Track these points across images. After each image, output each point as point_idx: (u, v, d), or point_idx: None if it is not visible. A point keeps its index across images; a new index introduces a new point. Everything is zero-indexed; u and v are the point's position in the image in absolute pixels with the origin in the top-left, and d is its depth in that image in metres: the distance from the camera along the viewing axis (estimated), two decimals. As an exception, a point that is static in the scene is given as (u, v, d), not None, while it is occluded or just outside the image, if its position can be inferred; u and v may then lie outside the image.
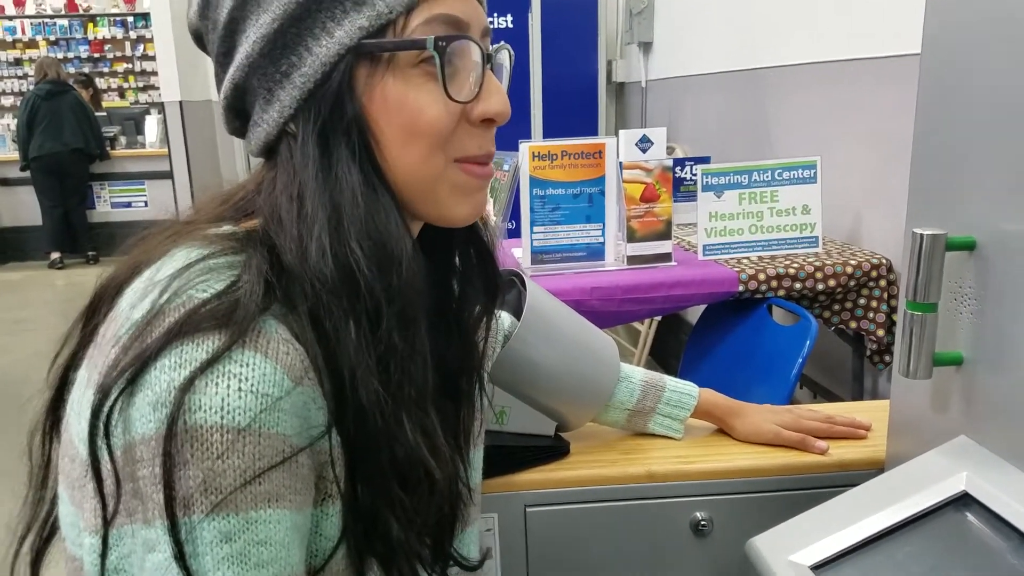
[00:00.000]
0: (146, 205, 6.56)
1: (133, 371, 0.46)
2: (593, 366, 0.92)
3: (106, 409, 0.46)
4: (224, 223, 0.56)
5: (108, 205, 6.55)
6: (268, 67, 0.54)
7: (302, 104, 0.53)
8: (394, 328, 0.52)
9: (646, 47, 3.66)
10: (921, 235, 0.70)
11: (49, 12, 7.67)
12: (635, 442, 0.97)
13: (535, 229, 1.86)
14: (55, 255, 6.23)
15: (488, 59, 0.56)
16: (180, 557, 0.44)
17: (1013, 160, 0.63)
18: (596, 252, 1.89)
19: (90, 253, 6.36)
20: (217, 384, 0.45)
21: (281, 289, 0.51)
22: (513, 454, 0.91)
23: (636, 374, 0.96)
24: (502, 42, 0.61)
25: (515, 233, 1.96)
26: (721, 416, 0.97)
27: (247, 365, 0.46)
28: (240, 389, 0.45)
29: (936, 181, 0.75)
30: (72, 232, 6.25)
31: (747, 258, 1.92)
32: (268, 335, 0.48)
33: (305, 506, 0.50)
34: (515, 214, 1.90)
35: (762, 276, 1.80)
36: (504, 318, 0.89)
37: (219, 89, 0.58)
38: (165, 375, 0.45)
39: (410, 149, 0.54)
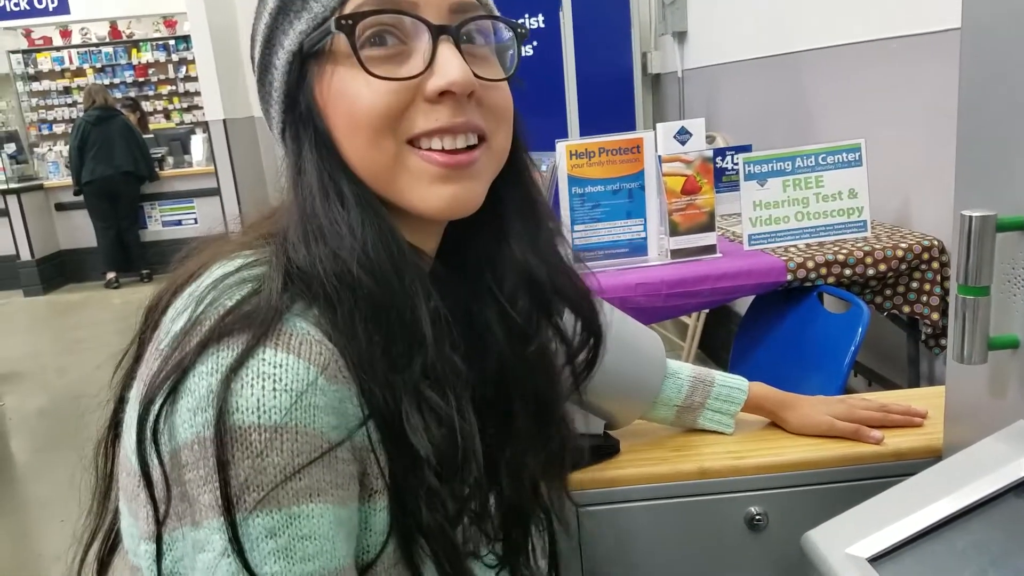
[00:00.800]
0: (196, 222, 6.75)
1: (174, 379, 0.49)
2: (638, 363, 0.92)
3: (152, 418, 0.49)
4: (265, 236, 0.58)
5: (159, 224, 6.75)
6: (261, 88, 0.61)
7: (283, 117, 0.59)
8: (396, 323, 0.53)
9: (680, 36, 3.62)
10: (970, 217, 0.68)
11: (94, 40, 7.93)
12: (686, 438, 0.97)
13: (576, 228, 1.86)
14: (111, 275, 6.45)
15: (448, 32, 0.54)
16: (237, 551, 0.46)
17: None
18: (639, 248, 1.88)
19: (144, 271, 6.56)
20: (252, 386, 0.47)
21: (298, 288, 0.53)
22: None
23: (684, 370, 0.95)
24: (497, 17, 0.58)
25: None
26: (772, 409, 0.96)
27: (280, 366, 0.48)
28: (275, 389, 0.47)
29: (983, 161, 0.73)
30: (126, 252, 6.46)
31: (794, 246, 1.89)
32: (299, 336, 0.50)
33: (349, 500, 0.51)
34: (555, 212, 1.91)
35: (810, 264, 1.77)
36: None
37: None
38: (204, 380, 0.48)
39: (357, 136, 0.55)
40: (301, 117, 0.57)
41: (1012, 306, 0.70)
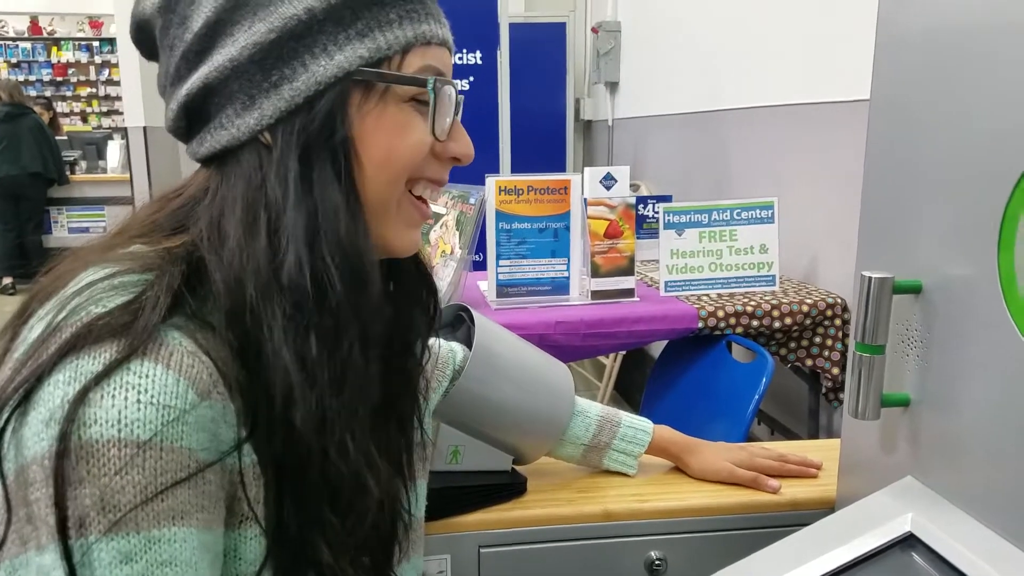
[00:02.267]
0: (105, 231, 6.43)
1: (25, 389, 0.45)
2: (547, 399, 0.92)
3: None
4: (145, 240, 0.55)
5: (65, 230, 6.41)
6: (256, 74, 0.53)
7: (284, 117, 0.53)
8: (356, 346, 0.53)
9: (613, 86, 3.73)
10: (870, 278, 0.71)
11: (11, 34, 7.57)
12: (591, 480, 0.97)
13: (501, 263, 1.87)
14: (7, 280, 6.07)
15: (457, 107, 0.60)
16: None
17: (958, 205, 0.66)
18: (561, 286, 1.90)
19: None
20: (113, 396, 0.44)
21: (196, 302, 0.50)
22: (469, 493, 0.90)
23: (593, 409, 0.96)
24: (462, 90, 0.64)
25: (480, 266, 1.96)
26: (676, 453, 0.97)
27: (146, 376, 0.45)
28: (139, 401, 0.44)
29: (884, 225, 0.77)
30: (26, 257, 6.09)
31: (707, 295, 1.94)
32: (171, 347, 0.47)
33: (214, 525, 0.48)
34: (480, 247, 1.91)
35: (721, 313, 1.82)
36: (457, 352, 0.88)
37: (171, 85, 0.57)
38: (59, 390, 0.44)
39: (382, 173, 0.56)
40: (329, 135, 0.54)
41: (905, 365, 0.73)
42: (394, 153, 0.56)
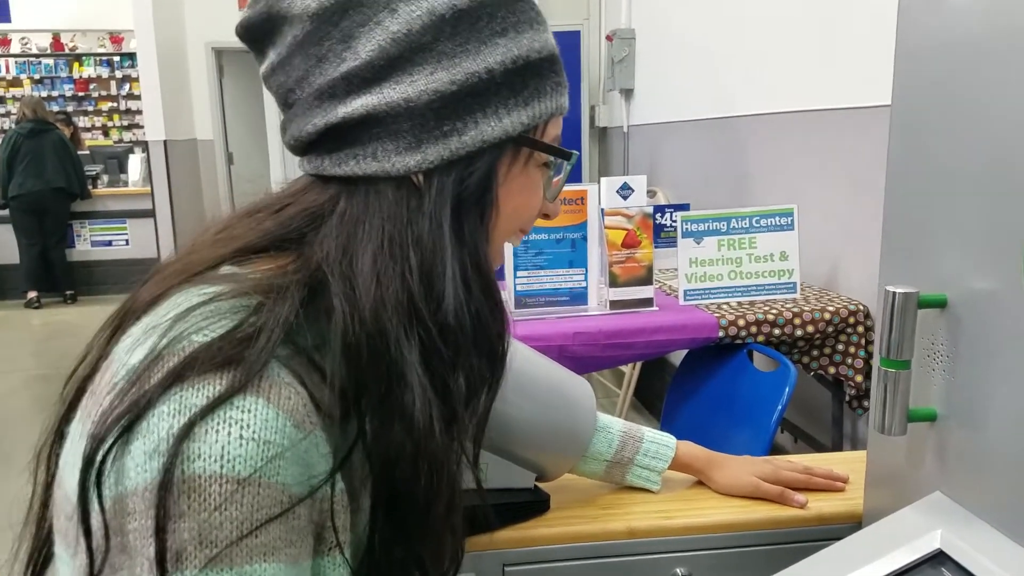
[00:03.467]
0: (127, 244, 6.52)
1: (129, 418, 0.45)
2: (569, 415, 0.92)
3: (99, 458, 0.45)
4: (245, 254, 0.55)
5: (88, 244, 6.49)
6: (429, 120, 0.54)
7: (444, 165, 0.55)
8: (494, 387, 0.59)
9: (627, 93, 3.73)
10: (894, 293, 0.71)
11: (35, 51, 7.70)
12: (615, 496, 0.97)
13: (518, 274, 1.87)
14: (32, 294, 6.12)
15: None
16: None
17: (983, 217, 0.65)
18: (579, 297, 1.90)
19: (68, 292, 6.27)
20: (218, 431, 0.44)
21: (311, 333, 0.51)
22: (493, 510, 0.90)
23: (615, 425, 0.96)
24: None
25: (498, 276, 1.96)
26: (700, 468, 0.97)
27: (249, 411, 0.45)
28: (242, 437, 0.45)
29: (907, 238, 0.76)
30: (50, 271, 6.16)
31: (727, 303, 1.94)
32: (272, 379, 0.47)
33: (301, 558, 0.48)
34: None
35: (741, 322, 1.81)
36: None
37: (316, 98, 0.55)
38: (164, 422, 0.44)
39: (508, 225, 0.61)
40: (484, 191, 0.57)
41: (931, 380, 0.73)
42: (521, 210, 0.61)
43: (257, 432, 0.45)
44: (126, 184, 6.57)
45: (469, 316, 0.55)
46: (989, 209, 0.64)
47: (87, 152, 6.70)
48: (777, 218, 1.95)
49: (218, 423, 0.44)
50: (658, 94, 3.51)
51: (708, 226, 1.95)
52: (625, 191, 1.96)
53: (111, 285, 6.42)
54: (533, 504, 0.93)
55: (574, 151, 0.63)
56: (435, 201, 0.55)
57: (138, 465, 0.44)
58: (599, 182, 1.94)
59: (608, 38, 3.65)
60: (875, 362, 0.74)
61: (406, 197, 0.55)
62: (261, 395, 0.46)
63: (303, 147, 0.58)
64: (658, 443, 0.96)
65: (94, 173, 6.54)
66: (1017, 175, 0.61)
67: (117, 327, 0.53)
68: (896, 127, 0.76)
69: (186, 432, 0.44)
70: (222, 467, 0.44)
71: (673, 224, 2.22)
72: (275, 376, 0.47)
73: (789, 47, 2.36)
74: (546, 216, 0.65)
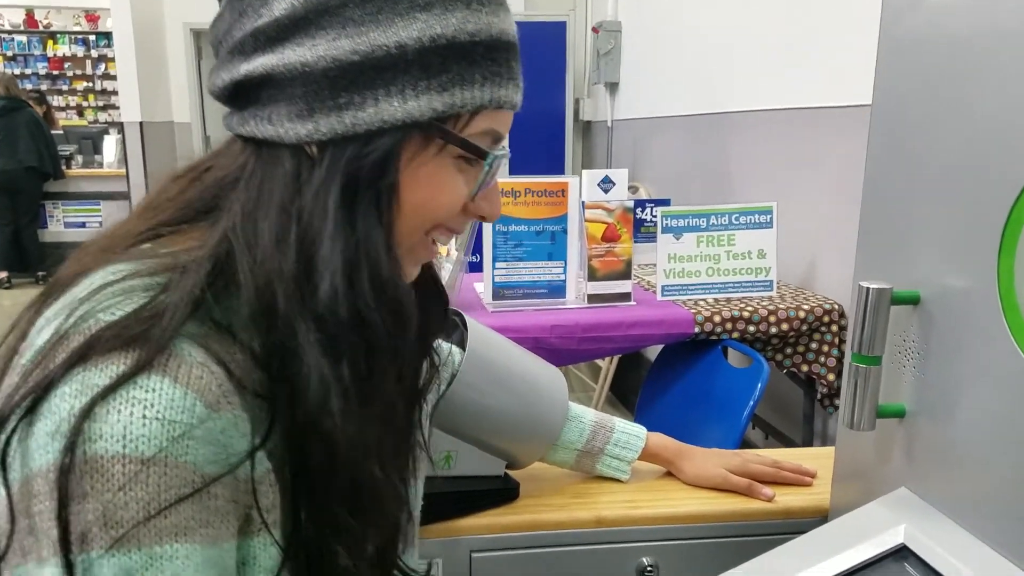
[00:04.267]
0: (101, 225, 6.42)
1: (33, 399, 0.44)
2: (540, 404, 0.91)
3: (3, 440, 0.44)
4: (172, 227, 0.54)
5: (61, 225, 6.39)
6: (323, 89, 0.51)
7: (338, 139, 0.52)
8: (392, 377, 0.54)
9: (612, 87, 3.73)
10: (868, 288, 0.71)
11: (7, 27, 7.54)
12: (584, 486, 0.96)
13: (497, 265, 1.86)
14: (3, 274, 6.04)
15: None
16: None
17: (958, 215, 0.65)
18: (557, 289, 1.90)
19: (40, 273, 6.17)
20: (119, 411, 0.43)
21: (220, 309, 0.49)
22: (462, 498, 0.90)
23: (587, 415, 0.95)
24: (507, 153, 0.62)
25: (477, 267, 1.96)
26: (669, 459, 0.97)
27: (153, 390, 0.44)
28: (145, 416, 0.43)
29: (883, 235, 0.76)
30: (22, 251, 6.06)
31: (704, 300, 1.94)
32: (180, 357, 0.46)
33: (221, 539, 0.47)
34: (477, 247, 1.91)
35: (717, 318, 1.82)
36: (455, 355, 0.88)
37: (230, 52, 0.54)
38: (66, 403, 0.43)
39: (413, 219, 0.55)
40: (379, 176, 0.52)
41: (901, 377, 0.73)
42: (431, 204, 0.55)
43: (161, 411, 0.44)
44: (100, 165, 6.46)
45: (347, 311, 0.50)
46: (965, 208, 0.65)
47: (61, 132, 6.57)
48: (756, 216, 1.96)
49: (120, 403, 0.43)
50: (643, 88, 3.51)
51: (688, 222, 1.96)
52: (606, 184, 1.96)
53: None
54: (502, 492, 0.93)
55: (497, 152, 0.57)
56: (324, 176, 0.51)
57: (41, 446, 0.43)
58: (580, 175, 1.94)
59: (594, 30, 3.64)
60: (847, 357, 0.74)
61: (298, 167, 0.52)
62: (168, 374, 0.45)
63: (222, 101, 0.57)
64: (629, 433, 0.96)
65: (68, 153, 6.42)
66: (993, 174, 0.61)
67: (40, 307, 0.52)
68: (876, 126, 0.76)
69: (87, 412, 0.43)
70: (124, 447, 0.43)
71: (653, 219, 2.22)
72: (184, 355, 0.46)
73: (774, 45, 2.37)
74: (482, 217, 0.61)
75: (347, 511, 0.53)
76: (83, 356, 0.45)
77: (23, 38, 7.55)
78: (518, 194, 1.85)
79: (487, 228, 1.84)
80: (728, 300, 1.93)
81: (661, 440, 0.97)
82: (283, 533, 0.51)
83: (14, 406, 0.44)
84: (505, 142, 0.60)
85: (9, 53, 7.58)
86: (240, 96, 0.55)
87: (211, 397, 0.46)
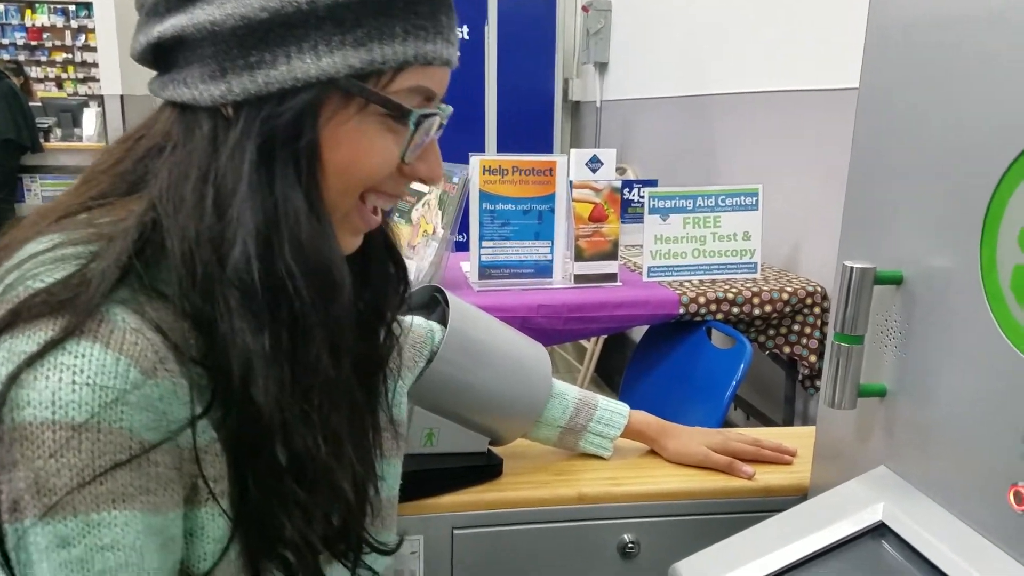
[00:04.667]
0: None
1: None
2: (523, 381, 0.91)
3: None
4: (106, 199, 0.53)
5: (39, 199, 6.28)
6: (233, 48, 0.50)
7: (252, 100, 0.50)
8: (324, 350, 0.52)
9: (602, 67, 3.71)
10: (851, 268, 0.71)
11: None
12: (567, 463, 0.97)
13: (484, 244, 1.85)
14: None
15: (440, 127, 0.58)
16: (6, 564, 0.42)
17: (942, 197, 0.66)
18: (544, 269, 1.89)
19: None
20: (47, 377, 0.43)
21: (151, 269, 0.49)
22: (443, 475, 0.90)
23: (570, 392, 0.96)
24: (449, 108, 0.60)
25: (463, 247, 1.95)
26: (652, 436, 0.98)
27: (82, 356, 0.44)
28: (75, 382, 0.43)
29: (867, 215, 0.77)
30: (-1, 225, 5.99)
31: (689, 281, 1.95)
32: (112, 323, 0.45)
33: (164, 507, 0.47)
34: (463, 227, 1.90)
35: (702, 300, 1.82)
36: (436, 332, 0.87)
37: (147, 15, 0.53)
38: None
39: (339, 182, 0.53)
40: (295, 135, 0.50)
41: (883, 356, 0.73)
42: (357, 165, 0.53)
43: (92, 377, 0.43)
44: (80, 139, 6.37)
45: (263, 277, 0.49)
46: (949, 190, 0.65)
47: (39, 104, 6.46)
48: (742, 198, 1.96)
49: (48, 369, 0.43)
50: (633, 69, 3.49)
51: (675, 203, 1.96)
52: (595, 164, 1.95)
53: None
54: (485, 468, 0.93)
55: (425, 110, 0.54)
56: (239, 137, 0.50)
57: None
58: (568, 154, 1.92)
59: (584, 9, 3.61)
60: (829, 336, 0.74)
61: (215, 128, 0.51)
62: (99, 340, 0.44)
63: (146, 65, 0.56)
64: (611, 411, 0.96)
65: (46, 126, 6.31)
66: (977, 158, 0.61)
67: None
68: (863, 108, 0.76)
69: (13, 379, 0.43)
70: (54, 413, 0.43)
71: (640, 200, 2.22)
72: (117, 321, 0.46)
73: (765, 27, 2.36)
74: (420, 180, 0.58)
75: (293, 483, 0.52)
76: (10, 323, 0.44)
77: (1, 7, 7.40)
78: (505, 172, 1.84)
79: (474, 207, 1.83)
80: (713, 282, 1.94)
81: (644, 418, 0.98)
82: (231, 503, 0.50)
83: None
84: (439, 102, 0.57)
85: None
86: (159, 59, 0.54)
87: (146, 363, 0.45)
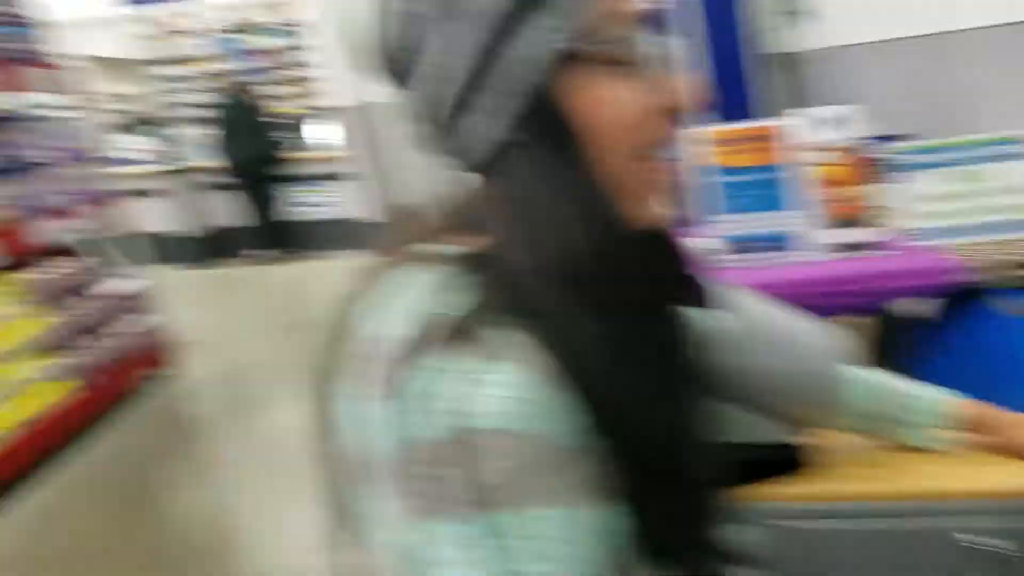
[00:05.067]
0: (328, 207, 7.07)
1: (403, 382, 0.50)
2: (807, 361, 0.87)
3: (388, 409, 0.51)
4: (450, 242, 0.59)
5: (295, 206, 7.09)
6: (483, 83, 0.55)
7: (525, 115, 0.55)
8: (633, 317, 0.56)
9: (807, 14, 3.43)
10: None
11: (217, 27, 8.26)
12: (889, 456, 0.91)
13: (723, 218, 1.80)
14: (253, 253, 6.88)
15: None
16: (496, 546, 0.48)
17: None
18: (786, 240, 1.80)
19: (281, 250, 6.94)
20: (490, 393, 0.49)
21: (519, 302, 0.53)
22: (739, 467, 0.87)
23: (873, 377, 0.90)
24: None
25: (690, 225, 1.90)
26: (991, 425, 0.88)
27: (509, 373, 0.50)
28: (508, 396, 0.49)
29: None
30: (269, 231, 6.89)
31: (964, 244, 1.76)
32: (521, 345, 0.51)
33: (587, 504, 0.51)
34: (695, 205, 1.85)
35: (985, 264, 1.64)
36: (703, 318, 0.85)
37: (427, 111, 0.59)
38: (447, 386, 0.50)
39: (610, 145, 0.56)
40: (549, 120, 0.55)
41: None
42: (610, 118, 0.56)
43: (520, 391, 0.50)
44: (321, 149, 7.07)
45: (566, 261, 0.53)
46: None
47: (280, 121, 7.25)
48: (1011, 146, 1.74)
49: (487, 386, 0.50)
50: (848, 10, 3.19)
51: (936, 157, 1.78)
52: (834, 124, 1.82)
53: (319, 245, 7.01)
54: (785, 461, 0.90)
55: (615, 40, 0.55)
56: (519, 154, 0.56)
57: (421, 421, 0.50)
58: (800, 117, 1.80)
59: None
60: None
61: (517, 160, 0.56)
62: (519, 360, 0.51)
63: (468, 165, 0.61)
64: (929, 398, 0.89)
65: (288, 140, 7.07)
66: None
67: (353, 304, 0.59)
68: None
69: (462, 394, 0.49)
70: (496, 423, 0.49)
71: (895, 158, 2.03)
72: (523, 342, 0.51)
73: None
74: (674, 110, 0.58)
75: (656, 478, 0.54)
76: (451, 344, 0.51)
77: (232, 35, 8.26)
78: (738, 141, 1.76)
79: (706, 181, 1.78)
80: (990, 243, 1.74)
81: (975, 406, 0.89)
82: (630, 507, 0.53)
83: (392, 391, 0.51)
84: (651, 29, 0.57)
85: (220, 52, 8.33)
86: (443, 138, 0.60)
87: (550, 377, 0.51)
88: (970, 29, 2.32)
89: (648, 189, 0.59)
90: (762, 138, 1.75)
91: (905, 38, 2.72)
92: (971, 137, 1.78)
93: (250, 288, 6.26)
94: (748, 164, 1.78)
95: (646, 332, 0.57)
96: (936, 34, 2.52)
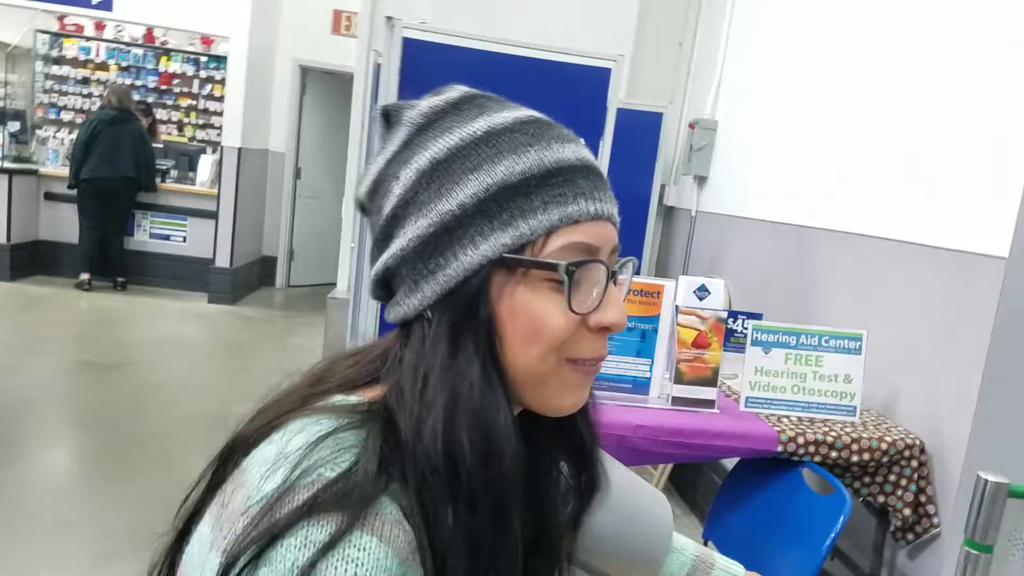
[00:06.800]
0: (184, 240, 6.73)
1: (260, 545, 0.49)
2: (647, 530, 0.91)
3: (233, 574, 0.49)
4: (351, 390, 0.63)
5: (147, 235, 6.70)
6: (417, 262, 0.61)
7: (440, 298, 0.60)
8: (486, 518, 0.56)
9: (701, 180, 3.82)
10: (986, 481, 0.77)
11: (127, 39, 8.03)
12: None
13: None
14: (85, 276, 6.30)
15: (612, 275, 0.63)
16: None
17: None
18: (642, 386, 1.97)
19: (119, 280, 6.46)
20: (335, 568, 0.49)
21: (396, 467, 0.56)
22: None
23: (689, 547, 0.97)
24: (630, 257, 0.67)
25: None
26: None
27: (364, 549, 0.50)
28: (355, 574, 0.49)
29: (1007, 421, 0.82)
30: (105, 257, 6.34)
31: (787, 417, 1.99)
32: (383, 516, 0.52)
33: None
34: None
35: (801, 440, 1.86)
36: None
37: (372, 263, 0.66)
38: (290, 554, 0.49)
39: (529, 349, 0.60)
40: (473, 314, 0.59)
41: (1011, 566, 0.79)
42: (538, 327, 0.59)
43: (370, 570, 0.49)
44: (194, 183, 6.80)
45: (443, 451, 0.55)
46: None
47: (161, 146, 6.94)
48: (846, 341, 2.01)
49: (337, 561, 0.49)
50: (733, 187, 3.55)
51: (778, 338, 2.02)
52: (702, 293, 2.04)
53: (162, 278, 6.63)
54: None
55: (579, 259, 0.59)
56: (435, 330, 0.59)
57: None
58: (677, 280, 2.02)
59: (691, 126, 3.75)
60: (960, 542, 0.80)
61: (422, 332, 0.60)
62: (375, 534, 0.50)
63: (381, 300, 0.68)
64: (729, 572, 1.00)
65: (165, 168, 6.76)
66: None
67: (227, 457, 0.60)
68: (1010, 288, 0.80)
69: (310, 568, 0.48)
70: None
71: (744, 331, 2.28)
72: (387, 513, 0.52)
73: (879, 169, 2.39)
74: (606, 328, 0.62)
75: None
76: (308, 511, 0.50)
77: (139, 52, 8.03)
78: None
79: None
80: (812, 421, 1.98)
81: (763, 582, 1.01)
82: None
83: (244, 548, 0.50)
84: (610, 253, 0.62)
85: (124, 64, 8.05)
86: (384, 293, 0.66)
87: (403, 554, 0.51)
88: (825, 229, 2.64)
89: (572, 384, 0.62)
90: (650, 293, 1.93)
91: (771, 221, 3.06)
92: (819, 328, 2.04)
93: (57, 314, 5.61)
94: (632, 313, 1.94)
95: (503, 529, 0.58)
96: (796, 225, 2.86)
